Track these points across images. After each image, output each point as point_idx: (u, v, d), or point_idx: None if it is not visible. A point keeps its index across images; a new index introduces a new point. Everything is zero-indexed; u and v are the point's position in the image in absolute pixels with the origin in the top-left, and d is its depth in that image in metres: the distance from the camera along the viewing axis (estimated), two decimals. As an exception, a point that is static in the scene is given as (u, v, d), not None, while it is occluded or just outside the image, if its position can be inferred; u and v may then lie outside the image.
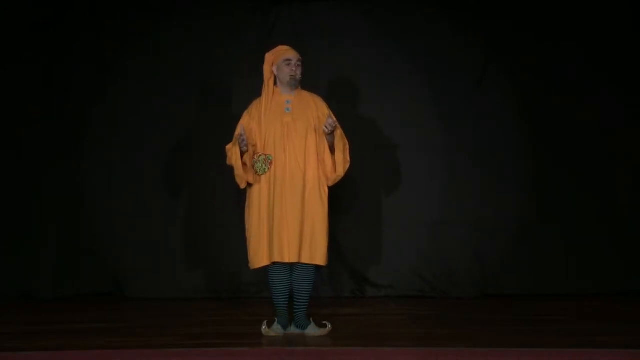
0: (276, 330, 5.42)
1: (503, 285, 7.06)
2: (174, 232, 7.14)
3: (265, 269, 5.45)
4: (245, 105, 5.57)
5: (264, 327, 5.42)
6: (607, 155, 7.09)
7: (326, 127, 5.31)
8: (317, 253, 5.35)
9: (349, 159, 5.44)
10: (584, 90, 7.10)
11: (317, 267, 5.46)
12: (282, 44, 5.65)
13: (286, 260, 5.35)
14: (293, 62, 5.47)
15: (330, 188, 5.50)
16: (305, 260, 5.34)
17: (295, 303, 5.48)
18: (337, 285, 7.14)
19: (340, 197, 6.86)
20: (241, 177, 5.38)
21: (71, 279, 7.12)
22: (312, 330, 5.43)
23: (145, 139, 7.14)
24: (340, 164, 5.40)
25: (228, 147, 5.43)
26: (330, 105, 5.58)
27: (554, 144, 7.10)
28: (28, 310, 6.55)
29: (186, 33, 7.18)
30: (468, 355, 4.73)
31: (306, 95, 5.55)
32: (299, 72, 5.48)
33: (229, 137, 5.49)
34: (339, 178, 5.46)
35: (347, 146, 5.44)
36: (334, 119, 5.35)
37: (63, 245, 7.10)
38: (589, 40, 7.11)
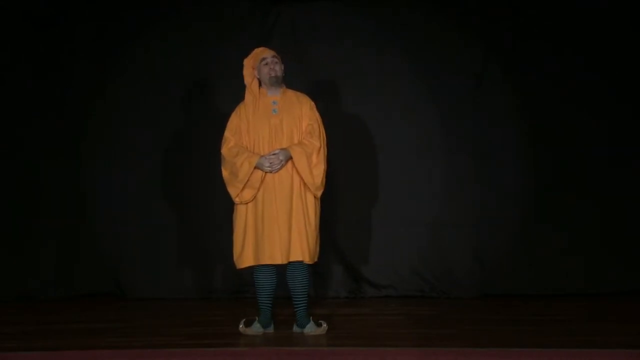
0: (255, 329, 5.43)
1: (503, 285, 7.06)
2: (174, 232, 7.13)
3: (251, 269, 5.45)
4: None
5: (241, 325, 5.44)
6: (606, 155, 7.08)
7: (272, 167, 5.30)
8: (306, 251, 5.33)
9: (318, 171, 5.35)
10: (584, 90, 7.09)
11: (310, 267, 5.46)
12: (271, 44, 5.70)
13: (277, 262, 5.35)
14: (269, 60, 5.45)
15: (329, 186, 5.49)
16: (293, 257, 5.33)
17: (294, 303, 5.49)
18: (337, 286, 7.14)
19: (340, 197, 6.87)
20: (239, 186, 5.33)
21: (71, 279, 7.13)
22: (310, 329, 5.44)
23: (145, 139, 7.14)
24: (306, 177, 5.34)
25: (234, 153, 5.38)
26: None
27: (554, 144, 7.09)
28: (28, 310, 6.55)
29: (186, 33, 7.18)
30: (468, 355, 4.73)
31: (292, 95, 5.52)
32: (277, 68, 5.45)
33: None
34: (316, 187, 5.36)
35: (311, 158, 5.33)
36: (279, 157, 5.29)
37: (63, 245, 7.11)
38: (590, 40, 7.10)
